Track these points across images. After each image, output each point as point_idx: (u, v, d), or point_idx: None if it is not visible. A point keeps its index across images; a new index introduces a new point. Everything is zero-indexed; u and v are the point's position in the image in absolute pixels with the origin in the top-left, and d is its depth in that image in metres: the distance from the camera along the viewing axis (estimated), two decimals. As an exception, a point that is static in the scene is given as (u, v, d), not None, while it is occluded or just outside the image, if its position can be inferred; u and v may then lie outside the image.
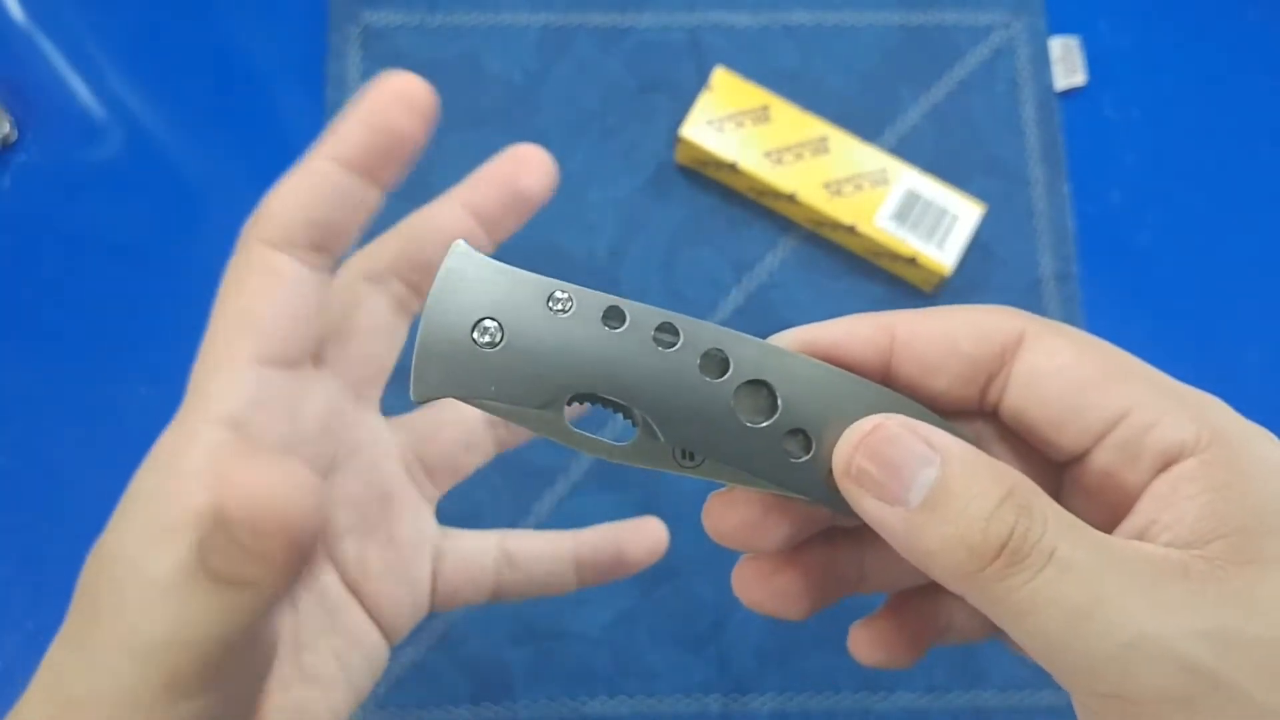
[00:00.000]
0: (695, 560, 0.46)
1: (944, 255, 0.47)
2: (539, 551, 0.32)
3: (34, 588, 0.44)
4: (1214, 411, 0.20)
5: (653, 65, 0.52)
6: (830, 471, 0.21)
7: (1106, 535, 0.19)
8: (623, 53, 0.52)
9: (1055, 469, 0.23)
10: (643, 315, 0.21)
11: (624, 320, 0.21)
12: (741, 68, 0.50)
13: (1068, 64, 0.52)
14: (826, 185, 0.48)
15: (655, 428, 0.21)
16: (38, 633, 0.44)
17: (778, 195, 0.48)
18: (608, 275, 0.48)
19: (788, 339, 0.23)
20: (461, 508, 0.46)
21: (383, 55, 0.51)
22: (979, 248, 0.49)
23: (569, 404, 0.21)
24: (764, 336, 0.23)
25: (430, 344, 0.21)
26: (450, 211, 0.29)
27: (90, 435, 0.45)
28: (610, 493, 0.46)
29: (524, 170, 0.30)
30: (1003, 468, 0.20)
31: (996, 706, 0.45)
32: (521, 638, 0.45)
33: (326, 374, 0.27)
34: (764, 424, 0.21)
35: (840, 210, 0.48)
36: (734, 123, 0.48)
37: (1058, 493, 0.23)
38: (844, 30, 0.53)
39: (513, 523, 0.46)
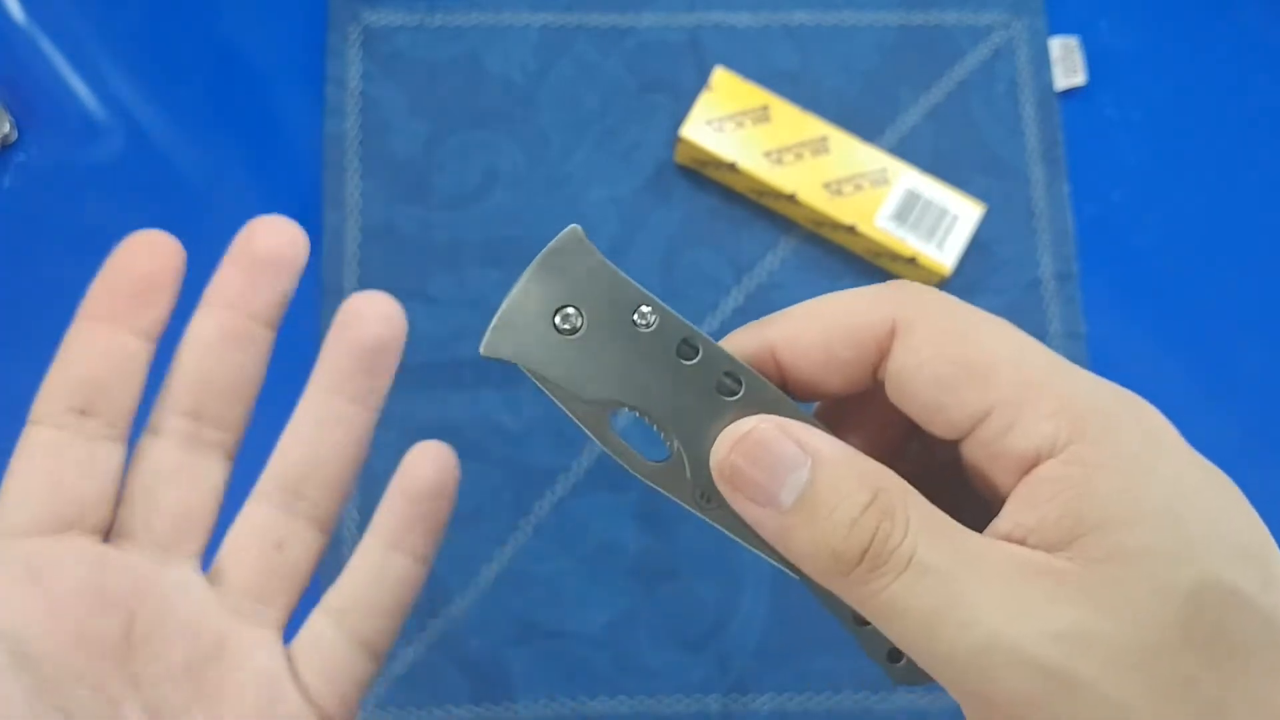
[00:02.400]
0: (695, 560, 0.46)
1: (944, 255, 0.47)
2: (367, 583, 0.29)
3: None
4: (1079, 401, 0.20)
5: (653, 65, 0.52)
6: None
7: (973, 535, 0.19)
8: (623, 53, 0.52)
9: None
10: (713, 356, 0.22)
11: (695, 356, 0.22)
12: (741, 68, 0.50)
13: (1068, 64, 0.52)
14: (826, 185, 0.48)
15: (686, 465, 0.22)
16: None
17: (778, 195, 0.48)
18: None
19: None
20: (462, 508, 0.46)
21: (383, 55, 0.51)
22: (979, 248, 0.49)
23: (618, 410, 0.22)
24: None
25: (514, 310, 0.22)
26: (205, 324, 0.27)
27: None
28: (610, 493, 0.46)
29: (259, 236, 0.27)
30: (873, 470, 0.20)
31: (996, 706, 0.45)
32: (521, 638, 0.45)
33: (121, 544, 0.25)
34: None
35: (840, 210, 0.48)
36: (734, 123, 0.48)
37: (956, 462, 0.23)
38: (844, 30, 0.53)
39: (514, 523, 0.46)
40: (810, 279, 0.50)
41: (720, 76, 0.49)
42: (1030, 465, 0.20)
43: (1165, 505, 0.19)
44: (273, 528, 0.27)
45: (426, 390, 0.47)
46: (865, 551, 0.19)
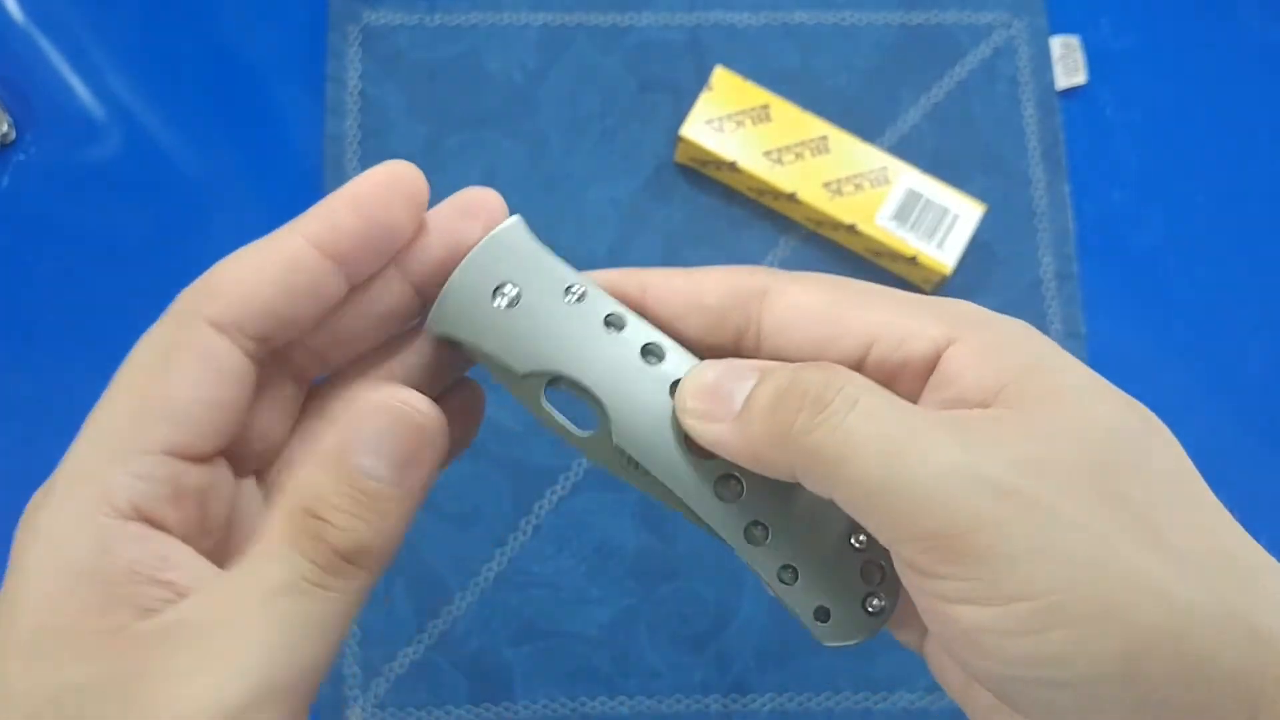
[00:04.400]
0: (695, 560, 0.46)
1: (944, 255, 0.47)
2: None
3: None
4: (957, 308, 0.22)
5: (653, 65, 0.52)
6: (752, 523, 0.23)
7: (910, 404, 0.21)
8: (623, 53, 0.52)
9: None
10: (636, 329, 0.23)
11: (622, 328, 0.23)
12: (741, 68, 0.50)
13: (1068, 63, 0.52)
14: (826, 185, 0.48)
15: (611, 428, 0.23)
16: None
17: (778, 195, 0.48)
18: (608, 275, 0.48)
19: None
20: (462, 508, 0.46)
21: (383, 55, 0.51)
22: (979, 247, 0.49)
23: (552, 384, 0.23)
24: None
25: (457, 287, 0.23)
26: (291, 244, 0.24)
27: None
28: (610, 493, 0.46)
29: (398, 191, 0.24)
30: (810, 364, 0.21)
31: (997, 706, 0.45)
32: (521, 638, 0.45)
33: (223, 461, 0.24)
34: (706, 461, 0.23)
35: (840, 210, 0.48)
36: (734, 122, 0.48)
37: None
38: (844, 30, 0.53)
39: (514, 523, 0.46)
40: (810, 279, 0.50)
41: (720, 76, 0.49)
42: (932, 365, 0.21)
43: (1068, 372, 0.21)
44: None
45: (426, 390, 0.47)
46: (807, 394, 0.20)
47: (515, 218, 0.24)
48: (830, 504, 0.21)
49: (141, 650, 0.20)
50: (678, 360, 0.23)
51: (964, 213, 0.48)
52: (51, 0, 0.51)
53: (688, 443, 0.23)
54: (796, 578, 0.23)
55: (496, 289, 0.23)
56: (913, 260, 0.48)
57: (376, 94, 0.50)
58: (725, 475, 0.23)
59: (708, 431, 0.22)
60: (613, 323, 0.23)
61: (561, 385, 0.23)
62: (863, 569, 0.23)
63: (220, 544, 0.23)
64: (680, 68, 0.51)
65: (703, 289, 0.24)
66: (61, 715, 0.19)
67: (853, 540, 0.23)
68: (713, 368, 0.22)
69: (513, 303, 0.23)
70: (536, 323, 0.23)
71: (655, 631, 0.45)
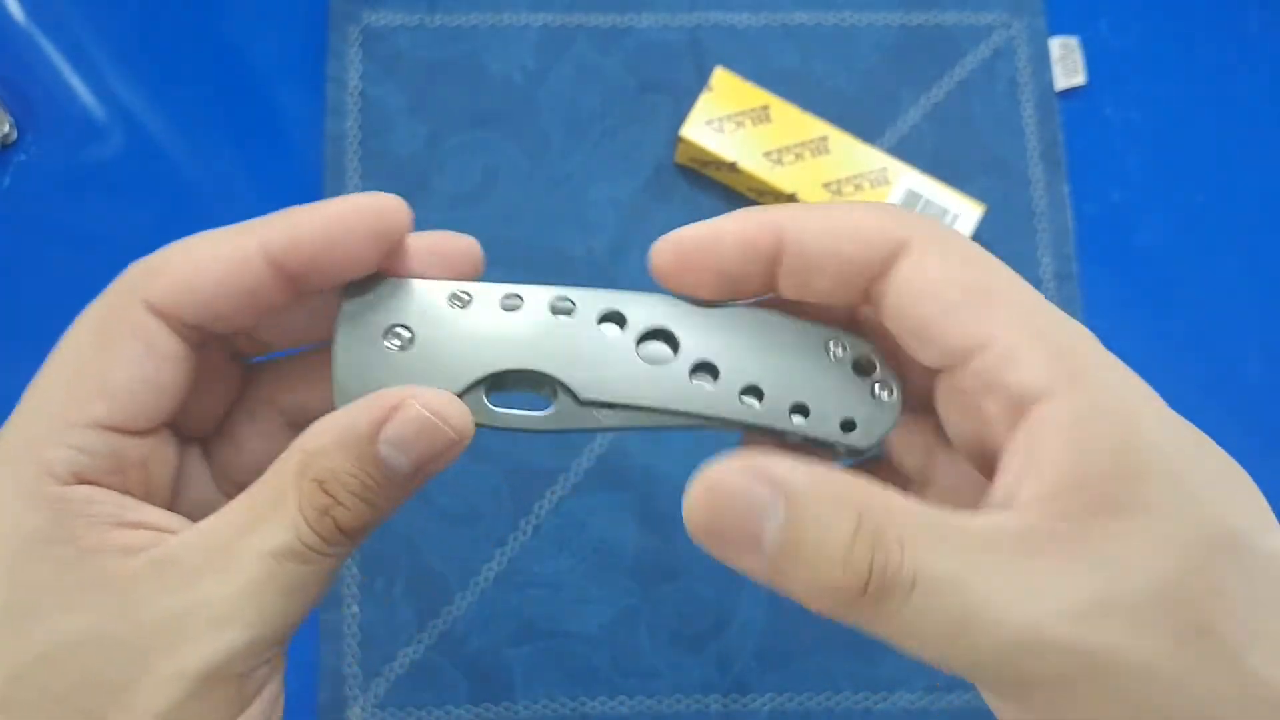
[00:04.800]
0: (695, 560, 0.46)
1: (944, 255, 0.47)
2: None
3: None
4: (1077, 346, 0.20)
5: (653, 65, 0.52)
6: (743, 390, 0.23)
7: (969, 521, 0.19)
8: (623, 53, 0.52)
9: (931, 371, 0.23)
10: (538, 294, 0.23)
11: (521, 302, 0.23)
12: (741, 68, 0.50)
13: (1068, 64, 0.52)
14: (826, 185, 0.48)
15: (570, 388, 0.23)
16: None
17: (778, 195, 0.48)
18: (608, 275, 0.48)
19: (669, 241, 0.24)
20: (462, 508, 0.46)
21: (383, 55, 0.51)
22: (979, 248, 0.49)
23: (488, 392, 0.23)
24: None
25: (345, 356, 0.22)
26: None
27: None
28: (610, 493, 0.46)
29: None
30: (849, 489, 0.19)
31: (996, 706, 0.45)
32: (521, 638, 0.45)
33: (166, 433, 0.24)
34: (669, 362, 0.23)
35: (840, 210, 0.48)
36: (734, 123, 0.48)
37: (931, 394, 0.23)
38: (844, 30, 0.53)
39: (514, 523, 0.46)
40: (810, 279, 0.50)
41: (720, 76, 0.49)
42: (1022, 403, 0.20)
43: (1160, 458, 0.19)
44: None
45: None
46: (866, 582, 0.18)
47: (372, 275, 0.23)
48: (794, 331, 0.22)
49: (134, 588, 0.20)
50: (588, 299, 0.23)
51: (963, 213, 0.48)
52: (52, 0, 0.51)
53: (643, 354, 0.23)
54: (807, 410, 0.23)
55: (385, 334, 0.23)
56: (912, 260, 0.48)
57: (377, 94, 0.50)
58: (696, 366, 0.23)
59: (734, 560, 0.20)
60: (510, 303, 0.23)
61: (492, 389, 0.23)
62: (855, 366, 0.24)
63: (166, 508, 0.23)
64: (680, 68, 0.52)
65: (840, 235, 0.22)
66: (55, 671, 0.20)
67: (832, 347, 0.24)
68: (726, 486, 0.19)
69: (407, 342, 0.23)
70: (442, 341, 0.23)
71: (655, 631, 0.45)
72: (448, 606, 0.46)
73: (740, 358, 0.23)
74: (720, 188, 0.50)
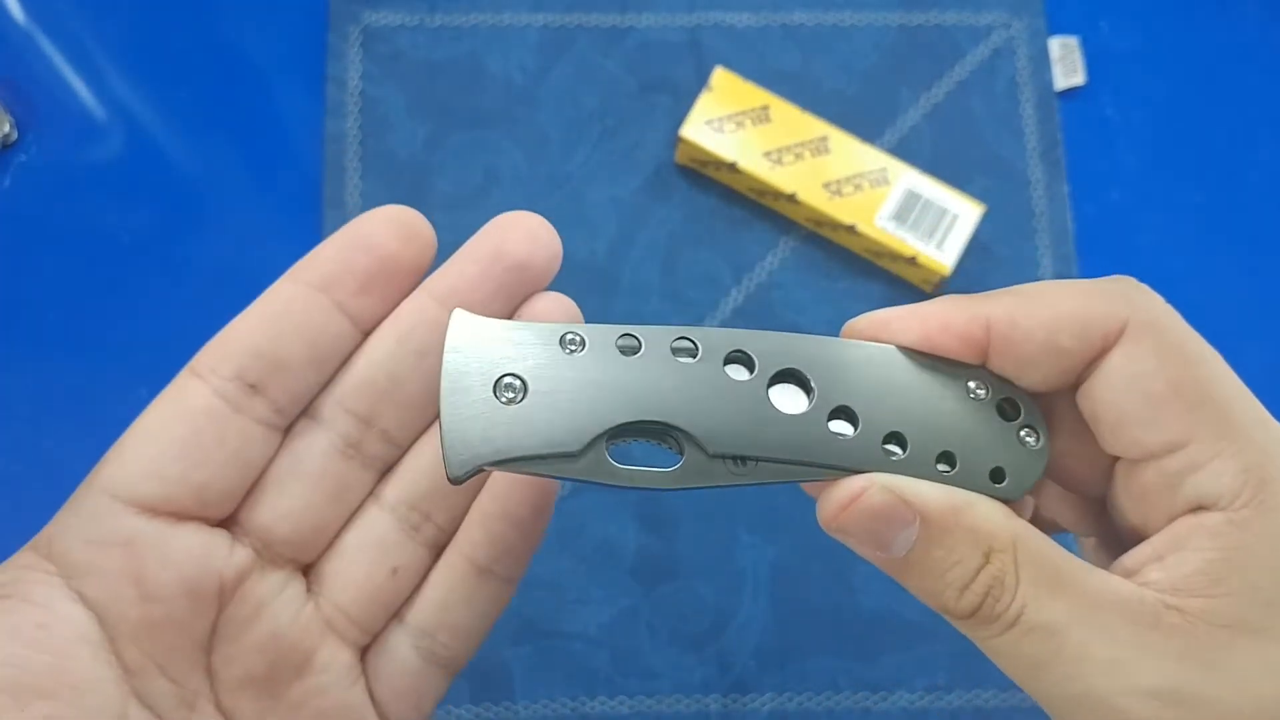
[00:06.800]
0: (695, 560, 0.46)
1: (944, 255, 0.47)
2: (455, 607, 0.26)
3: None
4: (1269, 463, 0.19)
5: (653, 65, 0.52)
6: (885, 438, 0.21)
7: (1088, 576, 0.20)
8: (623, 53, 0.52)
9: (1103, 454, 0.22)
10: (657, 335, 0.21)
11: (640, 345, 0.21)
12: (741, 68, 0.50)
13: (1067, 64, 0.52)
14: (826, 185, 0.48)
15: (699, 441, 0.20)
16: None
17: (778, 195, 0.48)
18: (608, 275, 0.48)
19: (862, 324, 0.22)
20: (461, 508, 0.46)
21: (383, 55, 0.51)
22: (979, 248, 0.49)
23: (609, 443, 0.21)
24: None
25: (454, 417, 0.20)
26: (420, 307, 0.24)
27: (90, 437, 0.45)
28: (610, 493, 0.46)
29: (510, 237, 0.25)
30: (983, 525, 0.20)
31: (996, 706, 0.45)
32: (521, 638, 0.45)
33: (234, 532, 0.23)
34: (805, 410, 0.21)
35: (840, 210, 0.48)
36: (734, 123, 0.48)
37: (1109, 471, 0.22)
38: (844, 30, 0.53)
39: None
40: (810, 279, 0.50)
41: (720, 76, 0.49)
42: (1202, 508, 0.20)
43: None
44: (392, 550, 0.24)
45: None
46: (976, 610, 0.20)
47: (456, 311, 0.21)
48: (932, 369, 0.21)
49: None
50: (710, 340, 0.21)
51: (963, 213, 0.48)
52: (52, 1, 0.52)
53: (774, 398, 0.21)
54: (954, 460, 0.21)
55: (495, 387, 0.20)
56: (912, 260, 0.48)
57: (377, 94, 0.50)
58: (834, 411, 0.21)
59: (861, 551, 0.21)
60: (627, 346, 0.21)
61: (611, 443, 0.21)
62: (999, 409, 0.22)
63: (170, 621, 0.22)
64: (680, 68, 0.52)
65: (1060, 328, 0.21)
66: None
67: (973, 388, 0.22)
68: (869, 500, 0.20)
69: (519, 393, 0.20)
70: (560, 390, 0.20)
71: (655, 631, 0.45)
72: (448, 606, 0.46)
73: (879, 401, 0.21)
74: (720, 188, 0.50)
